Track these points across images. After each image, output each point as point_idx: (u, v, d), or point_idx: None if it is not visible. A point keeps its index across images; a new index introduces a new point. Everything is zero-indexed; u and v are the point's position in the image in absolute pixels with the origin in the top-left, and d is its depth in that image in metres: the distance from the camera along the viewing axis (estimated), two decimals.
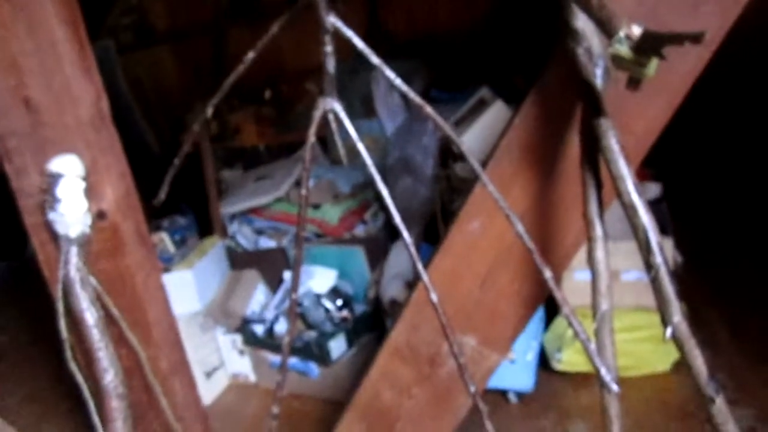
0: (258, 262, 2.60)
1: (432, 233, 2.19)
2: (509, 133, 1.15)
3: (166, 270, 2.34)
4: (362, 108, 3.11)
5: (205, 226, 2.71)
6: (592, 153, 1.01)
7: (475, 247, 1.22)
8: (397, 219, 0.91)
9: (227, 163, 3.13)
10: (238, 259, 2.63)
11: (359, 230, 2.67)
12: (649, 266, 0.90)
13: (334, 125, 0.88)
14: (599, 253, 0.98)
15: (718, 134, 3.31)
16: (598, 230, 0.99)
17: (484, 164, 2.03)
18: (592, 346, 0.83)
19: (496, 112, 1.97)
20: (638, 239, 0.91)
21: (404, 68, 3.24)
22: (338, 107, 0.86)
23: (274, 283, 2.58)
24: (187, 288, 2.36)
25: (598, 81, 1.00)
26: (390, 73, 0.82)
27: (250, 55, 0.88)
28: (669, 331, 0.89)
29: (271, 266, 2.59)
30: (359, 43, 0.78)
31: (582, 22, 1.00)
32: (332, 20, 0.76)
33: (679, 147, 2.08)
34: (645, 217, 0.89)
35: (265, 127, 3.41)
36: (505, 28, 3.14)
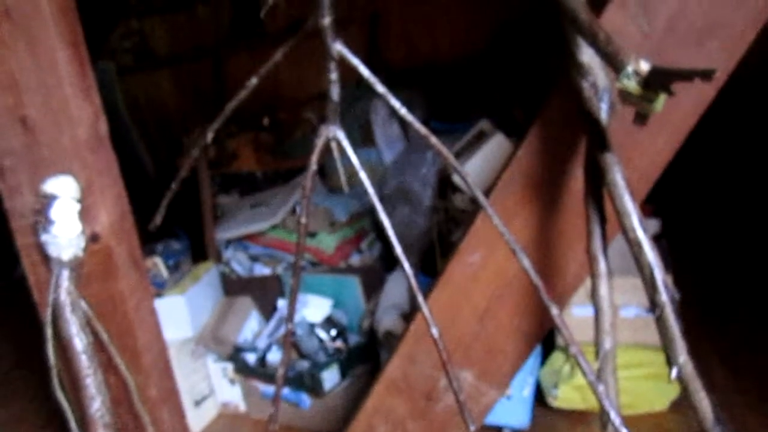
0: (252, 289, 2.57)
1: (429, 265, 2.17)
2: (512, 165, 1.14)
3: (159, 295, 2.31)
4: (360, 136, 3.11)
5: (200, 251, 2.68)
6: (596, 187, 1.00)
7: (474, 280, 1.20)
8: (398, 249, 0.89)
9: (224, 188, 3.11)
10: (232, 285, 2.60)
11: (355, 259, 2.64)
12: (654, 304, 0.89)
13: (336, 153, 0.87)
14: (603, 290, 0.96)
15: (717, 169, 3.32)
16: (602, 266, 0.97)
17: (485, 197, 2.01)
18: (601, 387, 0.80)
19: (496, 144, 1.97)
20: (643, 277, 0.89)
21: (403, 97, 3.24)
22: (341, 135, 0.84)
23: (267, 311, 2.54)
24: (179, 314, 2.32)
25: (603, 115, 1.00)
26: (395, 102, 0.81)
27: (254, 80, 0.87)
28: (674, 371, 0.87)
29: (265, 293, 2.56)
30: (364, 70, 0.77)
31: (587, 56, 1.00)
32: (338, 47, 0.75)
33: (678, 182, 2.08)
34: (651, 254, 0.88)
35: (263, 153, 3.40)
36: (504, 60, 3.16)
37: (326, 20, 0.73)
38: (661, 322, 0.88)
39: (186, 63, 3.88)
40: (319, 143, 0.84)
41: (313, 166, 0.85)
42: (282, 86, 3.59)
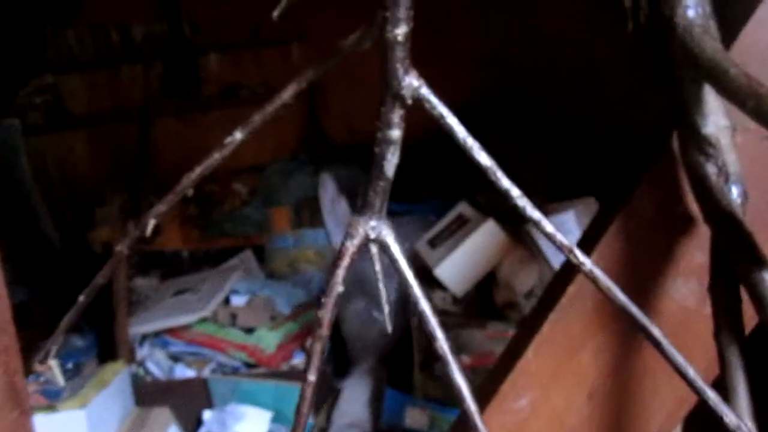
0: (171, 397, 2.11)
1: (403, 378, 1.79)
2: (580, 276, 0.82)
3: (51, 408, 1.82)
4: (307, 215, 2.78)
5: (108, 348, 2.20)
6: (735, 319, 0.68)
7: None
8: None
9: (142, 269, 2.66)
10: (147, 392, 2.13)
11: (298, 360, 2.24)
12: None
13: (377, 263, 0.51)
14: None
15: None
16: None
17: (478, 305, 1.67)
18: None
19: (487, 233, 1.66)
20: None
21: (345, 173, 2.97)
22: (390, 236, 0.49)
23: (190, 425, 2.08)
24: None
25: (737, 212, 0.70)
26: (505, 181, 0.47)
27: (238, 135, 0.51)
28: None
29: (188, 402, 2.11)
30: (460, 129, 0.44)
31: (714, 127, 0.71)
32: (415, 82, 0.41)
33: None
34: None
35: (190, 228, 3.01)
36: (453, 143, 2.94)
37: (399, 31, 0.40)
38: None
39: (105, 124, 3.51)
40: (351, 245, 0.49)
41: (339, 286, 0.49)
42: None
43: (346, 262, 0.49)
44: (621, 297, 0.47)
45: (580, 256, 0.47)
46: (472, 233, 1.66)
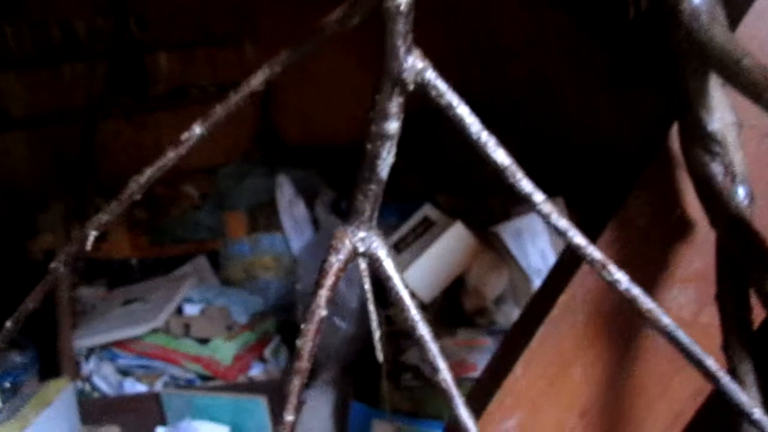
0: (121, 414, 1.99)
1: (369, 389, 1.71)
2: (573, 284, 0.76)
3: None
4: (263, 219, 2.67)
5: (51, 363, 2.06)
6: (744, 330, 0.63)
7: None
8: None
9: (87, 278, 2.51)
10: (94, 410, 2.00)
11: (257, 371, 2.14)
12: None
13: (366, 281, 0.44)
14: None
15: None
16: None
17: (447, 312, 1.61)
18: None
19: (455, 236, 1.59)
20: None
21: (302, 176, 2.88)
22: (382, 248, 0.41)
23: None
24: None
25: (745, 214, 0.65)
26: (526, 183, 0.40)
27: (197, 130, 0.43)
28: None
29: (139, 419, 1.99)
30: (467, 113, 0.36)
31: (720, 123, 0.65)
32: (419, 64, 0.34)
33: None
34: None
35: (138, 234, 2.87)
36: (410, 144, 2.88)
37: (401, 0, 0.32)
38: None
39: (46, 126, 3.34)
40: (337, 261, 0.41)
41: (322, 311, 0.42)
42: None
43: (330, 281, 0.42)
44: (665, 320, 0.41)
45: (615, 272, 0.40)
46: (439, 237, 1.59)
